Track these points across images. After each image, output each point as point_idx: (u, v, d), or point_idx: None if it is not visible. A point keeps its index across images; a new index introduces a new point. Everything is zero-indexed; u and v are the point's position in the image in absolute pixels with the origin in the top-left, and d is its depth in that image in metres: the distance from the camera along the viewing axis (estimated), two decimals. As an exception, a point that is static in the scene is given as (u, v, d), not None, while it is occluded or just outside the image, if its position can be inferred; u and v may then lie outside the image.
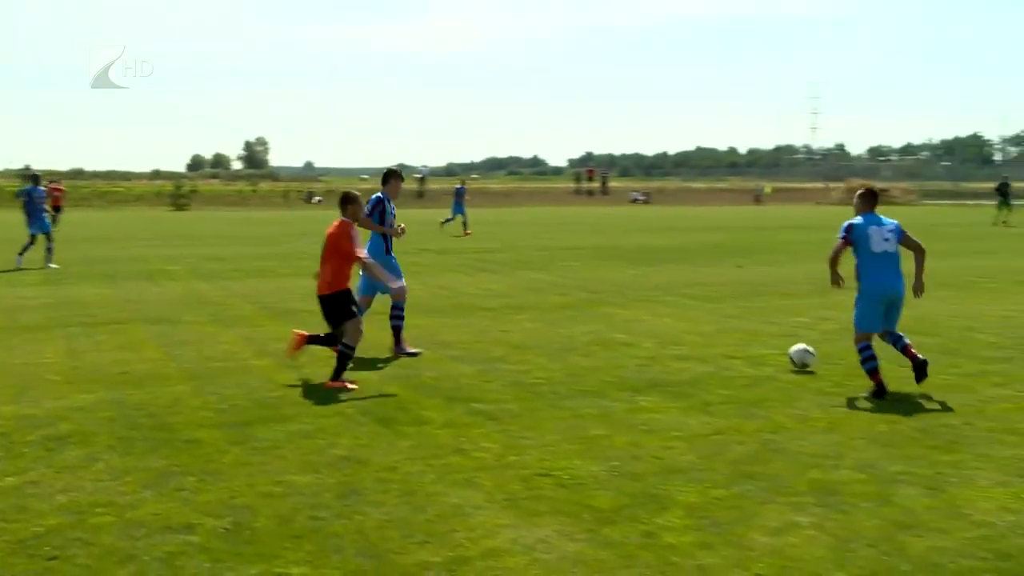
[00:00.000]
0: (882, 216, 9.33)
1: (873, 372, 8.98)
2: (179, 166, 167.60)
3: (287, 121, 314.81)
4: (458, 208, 35.68)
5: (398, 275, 10.78)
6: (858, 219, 9.29)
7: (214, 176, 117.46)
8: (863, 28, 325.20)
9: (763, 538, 5.38)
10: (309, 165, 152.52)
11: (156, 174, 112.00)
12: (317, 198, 73.69)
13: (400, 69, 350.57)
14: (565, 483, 6.34)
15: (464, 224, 35.06)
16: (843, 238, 9.25)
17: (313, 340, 9.72)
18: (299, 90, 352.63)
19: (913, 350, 9.06)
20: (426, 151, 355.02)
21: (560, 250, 27.46)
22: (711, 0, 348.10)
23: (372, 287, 10.95)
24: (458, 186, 37.98)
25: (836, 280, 9.45)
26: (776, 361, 10.40)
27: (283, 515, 5.79)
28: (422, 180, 79.30)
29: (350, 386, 9.10)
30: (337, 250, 9.35)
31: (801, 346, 10.35)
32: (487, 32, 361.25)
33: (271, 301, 15.88)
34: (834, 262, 9.41)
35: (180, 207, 64.36)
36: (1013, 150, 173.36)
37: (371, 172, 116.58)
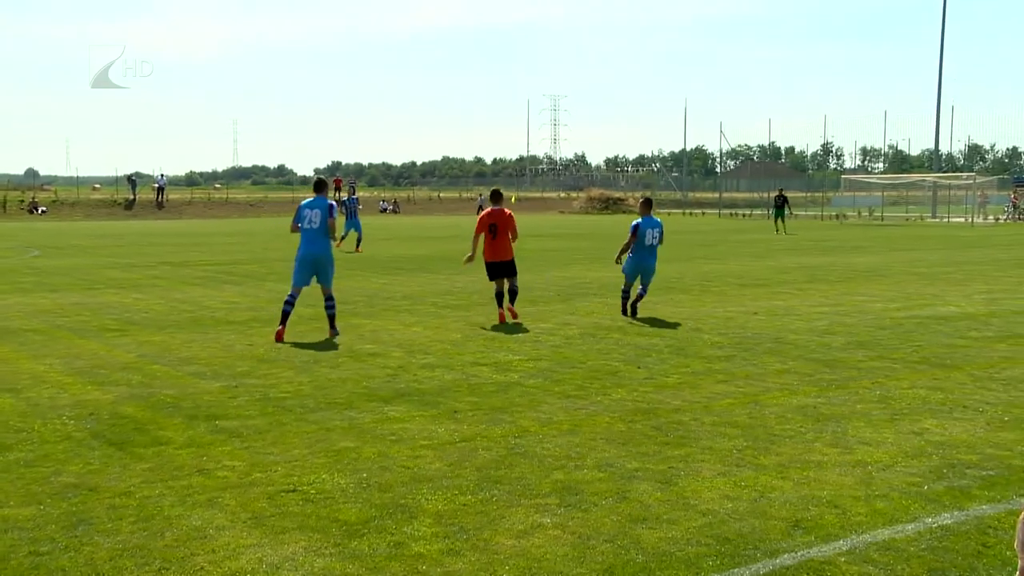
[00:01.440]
0: (654, 218, 14.61)
1: (625, 300, 14.63)
2: None
3: (5, 124, 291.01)
4: (353, 222, 31.02)
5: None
6: (641, 220, 14.46)
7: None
8: (600, 40, 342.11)
9: (509, 541, 5.51)
10: (32, 172, 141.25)
11: None
12: (42, 208, 68.51)
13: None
14: (312, 498, 6.24)
15: (359, 239, 30.77)
16: (632, 233, 14.40)
17: (502, 301, 14.38)
18: (17, 90, 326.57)
19: (639, 303, 14.75)
20: (164, 159, 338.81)
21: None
22: (458, 9, 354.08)
23: (306, 280, 12.86)
24: (347, 197, 33.21)
25: (619, 261, 14.77)
26: (522, 367, 10.71)
27: None
28: (160, 190, 75.71)
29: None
30: (512, 229, 14.27)
31: None
32: (225, 36, 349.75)
33: (-12, 320, 14.65)
34: (624, 250, 14.59)
35: None
36: (731, 163, 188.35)
37: (102, 181, 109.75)
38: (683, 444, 7.56)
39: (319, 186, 13.20)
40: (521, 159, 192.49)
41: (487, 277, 14.63)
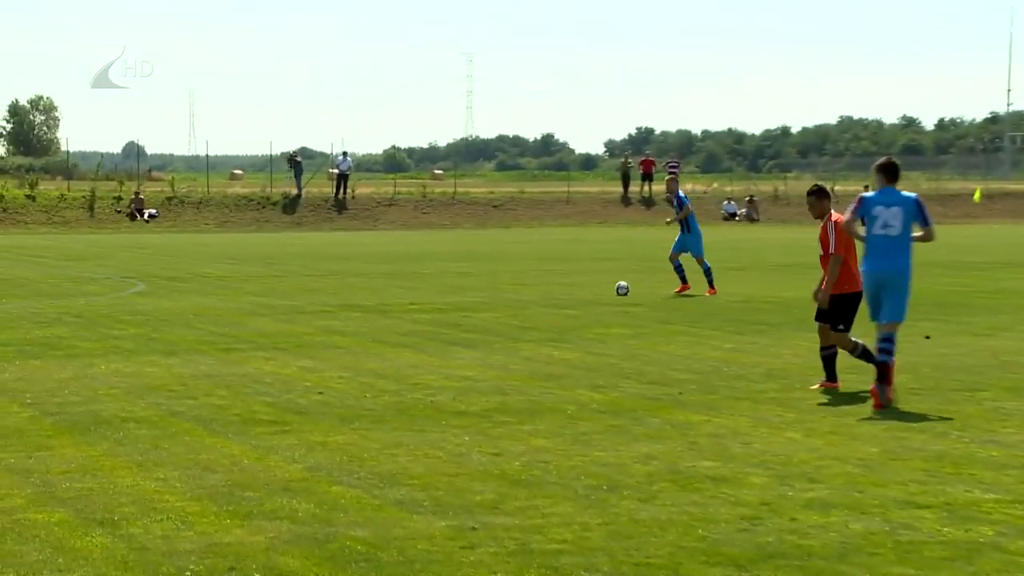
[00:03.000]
0: None
1: None
2: None
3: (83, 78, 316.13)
4: (694, 238, 31.35)
5: None
6: None
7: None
8: None
9: None
10: (135, 150, 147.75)
11: None
12: (151, 211, 73.53)
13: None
14: None
15: (706, 272, 30.91)
16: None
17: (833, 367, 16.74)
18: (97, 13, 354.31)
19: None
20: (348, 129, 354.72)
21: (596, 306, 27.47)
22: None
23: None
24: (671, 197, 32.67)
25: None
26: (1001, 515, 10.39)
27: None
28: (342, 180, 79.30)
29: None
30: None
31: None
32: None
33: (67, 401, 15.84)
34: None
35: None
36: None
37: (246, 163, 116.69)
38: None
39: (890, 170, 15.76)
40: (993, 120, 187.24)
41: (822, 320, 16.61)
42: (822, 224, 16.47)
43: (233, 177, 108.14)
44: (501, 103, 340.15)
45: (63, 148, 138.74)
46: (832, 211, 16.55)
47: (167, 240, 58.75)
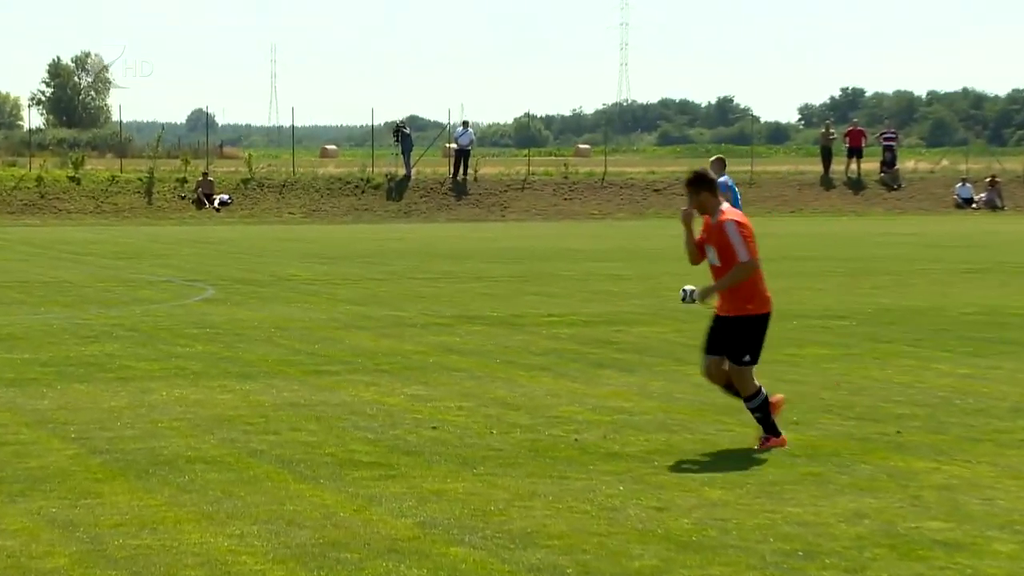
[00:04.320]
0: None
1: None
2: None
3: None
4: None
5: None
6: None
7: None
8: None
9: None
10: (202, 119, 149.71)
11: None
12: (222, 197, 74.17)
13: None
14: None
15: None
16: None
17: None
18: None
19: None
20: (475, 97, 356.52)
21: (787, 319, 27.41)
22: None
23: None
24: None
25: None
26: None
27: None
28: (462, 156, 79.57)
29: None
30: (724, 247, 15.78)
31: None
32: None
33: (120, 436, 16.01)
34: None
35: None
36: None
37: (340, 136, 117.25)
38: None
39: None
40: None
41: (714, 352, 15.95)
42: (713, 225, 15.54)
43: (325, 154, 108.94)
44: (664, 60, 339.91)
45: (115, 118, 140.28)
46: (724, 206, 15.74)
47: (242, 233, 59.52)
